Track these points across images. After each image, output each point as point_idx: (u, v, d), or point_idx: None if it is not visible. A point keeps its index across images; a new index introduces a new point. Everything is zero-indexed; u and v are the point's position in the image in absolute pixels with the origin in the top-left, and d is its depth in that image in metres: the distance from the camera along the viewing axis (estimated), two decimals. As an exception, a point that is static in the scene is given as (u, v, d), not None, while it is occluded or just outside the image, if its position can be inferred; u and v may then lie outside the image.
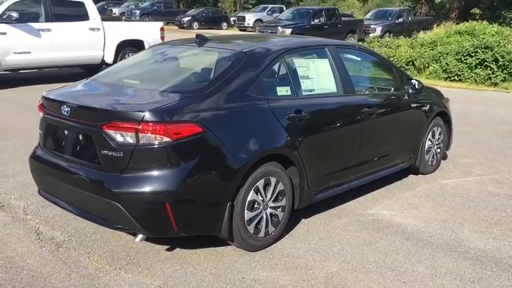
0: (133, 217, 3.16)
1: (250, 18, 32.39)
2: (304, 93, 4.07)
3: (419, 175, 5.67)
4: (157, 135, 3.12)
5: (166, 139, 3.13)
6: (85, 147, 3.38)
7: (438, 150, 5.80)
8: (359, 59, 5.13)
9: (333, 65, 4.36)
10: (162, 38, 13.06)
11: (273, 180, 3.69)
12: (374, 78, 5.31)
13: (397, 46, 16.85)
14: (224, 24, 34.62)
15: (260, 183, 3.60)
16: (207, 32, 31.52)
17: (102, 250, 3.67)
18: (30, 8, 11.04)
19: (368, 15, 27.29)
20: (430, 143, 5.61)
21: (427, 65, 15.14)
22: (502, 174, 5.84)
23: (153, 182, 3.14)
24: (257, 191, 3.59)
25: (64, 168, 3.50)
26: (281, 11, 31.70)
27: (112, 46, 12.17)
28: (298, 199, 3.99)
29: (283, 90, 3.91)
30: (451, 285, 3.37)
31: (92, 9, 11.90)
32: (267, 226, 3.73)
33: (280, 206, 3.82)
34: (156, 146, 3.13)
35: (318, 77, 4.29)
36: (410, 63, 15.59)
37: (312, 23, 20.79)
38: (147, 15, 35.96)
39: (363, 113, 4.48)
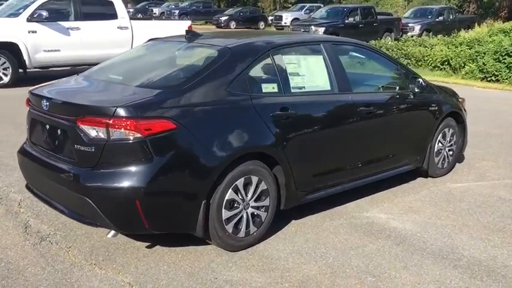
0: (103, 213, 3.15)
1: (287, 17, 32.23)
2: (293, 91, 3.96)
3: (428, 178, 5.44)
4: (127, 131, 3.09)
5: (137, 135, 3.10)
6: (62, 141, 3.39)
7: (450, 152, 5.55)
8: (361, 56, 4.97)
9: (328, 62, 4.22)
10: (190, 36, 13.13)
11: (254, 179, 3.60)
12: (376, 77, 5.13)
13: (433, 45, 16.38)
14: (261, 24, 34.61)
15: (240, 182, 3.52)
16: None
17: (83, 245, 3.68)
18: (60, 7, 11.31)
19: (407, 14, 26.61)
20: (440, 145, 5.37)
21: (463, 65, 14.61)
22: (518, 178, 5.55)
23: (123, 178, 3.12)
24: (236, 190, 3.51)
25: (45, 162, 3.53)
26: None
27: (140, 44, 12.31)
28: (284, 199, 3.89)
29: (269, 87, 3.81)
30: (431, 294, 3.20)
31: (120, 8, 12.10)
32: (248, 226, 3.65)
33: (263, 206, 3.73)
34: (126, 142, 3.11)
35: (309, 74, 4.17)
36: (446, 63, 15.11)
37: (346, 21, 20.47)
38: (186, 14, 36.36)
39: (360, 112, 4.32)
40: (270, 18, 35.52)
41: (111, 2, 11.92)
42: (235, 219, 3.56)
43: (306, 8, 34.17)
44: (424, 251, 3.78)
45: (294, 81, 3.98)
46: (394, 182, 5.17)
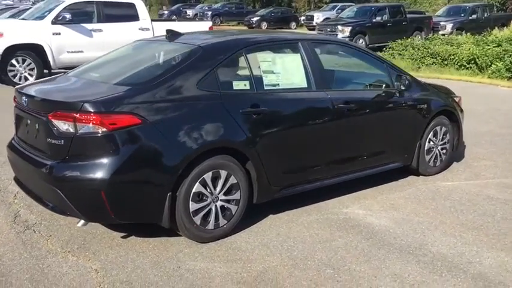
0: (72, 203, 3.35)
1: (318, 17, 32.08)
2: (266, 88, 4.07)
3: (420, 176, 5.43)
4: (93, 125, 3.28)
5: (102, 129, 3.28)
6: (39, 136, 3.61)
7: (444, 151, 5.52)
8: (344, 54, 5.01)
9: (306, 60, 4.31)
10: (211, 37, 13.36)
11: (223, 173, 3.73)
12: (359, 75, 5.17)
13: (460, 43, 16.06)
14: (293, 24, 34.61)
15: (207, 176, 3.65)
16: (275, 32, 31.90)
17: (63, 234, 3.90)
18: (83, 10, 11.75)
19: (439, 12, 26.08)
20: (431, 143, 5.35)
21: (489, 64, 14.28)
22: (514, 178, 5.47)
23: (89, 170, 3.31)
24: (204, 184, 3.65)
25: (27, 156, 3.76)
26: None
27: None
28: (256, 194, 4.00)
29: (240, 85, 3.94)
30: (384, 285, 3.25)
31: (142, 10, 12.44)
32: (217, 219, 3.78)
33: (233, 200, 3.85)
34: (92, 136, 3.30)
35: (285, 71, 4.27)
36: (472, 62, 14.80)
37: (374, 20, 20.25)
38: (218, 16, 36.84)
39: (338, 110, 4.38)
40: (301, 18, 35.48)
41: (133, 4, 12.28)
42: (204, 212, 3.70)
43: (338, 7, 33.94)
44: (392, 246, 3.82)
45: (267, 79, 4.09)
46: (383, 180, 5.20)
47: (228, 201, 3.83)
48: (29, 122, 3.77)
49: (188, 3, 42.69)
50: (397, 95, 4.92)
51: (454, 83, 11.25)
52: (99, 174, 3.28)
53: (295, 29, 34.04)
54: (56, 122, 3.37)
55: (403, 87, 4.91)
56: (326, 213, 4.41)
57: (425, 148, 5.31)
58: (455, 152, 5.90)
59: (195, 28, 13.57)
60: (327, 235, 3.99)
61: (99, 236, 3.88)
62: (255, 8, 43.81)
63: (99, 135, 3.29)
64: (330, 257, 3.63)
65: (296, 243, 3.83)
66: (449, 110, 5.47)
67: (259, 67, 4.08)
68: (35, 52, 11.02)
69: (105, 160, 3.30)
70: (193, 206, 3.62)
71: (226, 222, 3.84)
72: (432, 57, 15.63)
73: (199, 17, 37.41)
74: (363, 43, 19.54)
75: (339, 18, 22.34)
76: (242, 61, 4.02)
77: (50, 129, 3.41)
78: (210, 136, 3.65)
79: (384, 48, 17.30)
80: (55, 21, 11.13)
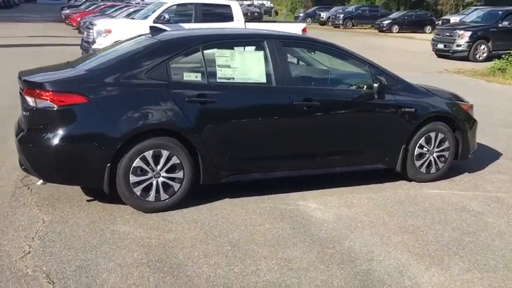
0: (30, 164, 4.13)
1: (455, 21, 30.32)
2: (219, 81, 4.46)
3: (412, 182, 5.33)
4: (47, 101, 4.01)
5: (53, 105, 4.00)
6: (23, 109, 4.44)
7: (442, 158, 5.35)
8: (321, 54, 5.15)
9: (269, 57, 4.60)
10: (304, 38, 13.75)
11: (164, 153, 4.23)
12: (333, 74, 5.24)
13: None
14: (428, 28, 33.09)
15: (148, 154, 4.18)
16: (406, 36, 30.86)
17: (46, 193, 4.68)
18: (182, 11, 12.96)
19: None
20: (424, 149, 5.23)
21: None
22: (513, 193, 5.11)
23: (42, 138, 4.04)
24: (144, 160, 4.18)
25: (18, 126, 4.59)
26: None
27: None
28: (202, 176, 4.42)
29: (191, 76, 4.40)
30: (266, 266, 3.51)
31: (237, 11, 13.26)
32: (158, 193, 4.28)
33: (176, 178, 4.32)
34: (46, 110, 4.04)
35: (243, 66, 4.60)
36: None
37: (500, 25, 18.75)
38: (350, 19, 36.71)
39: (297, 106, 4.59)
40: (438, 22, 33.77)
41: (229, 6, 13.17)
42: (144, 185, 4.23)
43: (479, 11, 31.67)
44: (310, 237, 4.00)
45: (221, 72, 4.48)
46: (369, 180, 5.24)
47: (170, 178, 4.31)
48: (21, 98, 4.64)
49: (324, 6, 43.09)
50: (375, 96, 4.93)
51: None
52: (48, 142, 4.01)
53: (429, 33, 32.54)
54: (26, 98, 4.17)
55: (381, 89, 4.90)
56: (278, 204, 4.65)
57: (415, 153, 5.20)
58: (463, 161, 5.64)
59: (288, 29, 14.05)
60: (260, 221, 4.27)
61: (71, 198, 4.60)
62: (398, 9, 42.66)
63: (50, 109, 4.02)
64: (241, 237, 3.94)
65: (224, 223, 4.19)
66: (447, 116, 5.28)
67: (214, 61, 4.49)
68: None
69: (54, 130, 4.01)
70: (133, 179, 4.18)
71: (168, 197, 4.33)
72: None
73: (331, 19, 37.66)
74: (485, 49, 18.28)
75: (461, 22, 21.05)
76: (197, 55, 4.47)
77: (24, 103, 4.22)
78: (150, 119, 4.17)
79: (503, 56, 16.03)
80: (156, 21, 12.37)
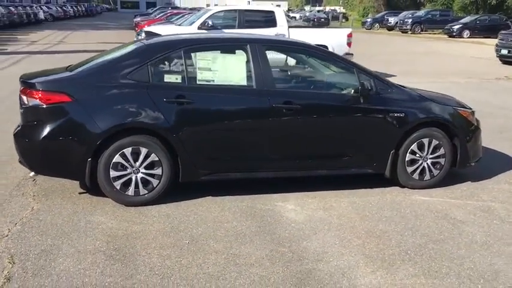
0: (22, 157, 4.54)
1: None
2: (199, 83, 4.66)
3: (404, 188, 5.25)
4: (35, 100, 4.40)
5: (41, 103, 4.38)
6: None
7: (437, 166, 5.22)
8: (303, 58, 5.21)
9: (250, 61, 4.74)
10: (349, 44, 13.68)
11: (143, 150, 4.49)
12: (318, 78, 5.25)
13: None
14: (501, 33, 31.43)
15: (127, 150, 4.46)
16: (476, 41, 29.53)
17: (47, 185, 5.07)
18: (226, 17, 13.31)
19: None
20: (417, 155, 5.14)
21: None
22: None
23: (30, 133, 4.44)
24: (124, 156, 4.46)
25: None
26: None
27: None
28: (181, 174, 4.64)
29: (172, 78, 4.63)
30: (213, 260, 3.67)
31: (280, 17, 13.41)
32: (137, 188, 4.55)
33: (155, 175, 4.57)
34: (34, 107, 4.42)
35: (224, 69, 4.77)
36: None
37: None
38: (419, 23, 35.67)
39: (276, 109, 4.69)
40: (513, 27, 32.02)
41: (272, 12, 13.37)
42: (124, 179, 4.51)
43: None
44: (270, 235, 4.11)
45: (202, 75, 4.68)
46: (358, 185, 5.23)
47: (150, 175, 4.56)
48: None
49: (392, 11, 42.17)
50: (361, 100, 4.91)
51: None
52: (35, 137, 4.39)
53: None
54: (22, 96, 4.59)
55: (364, 92, 4.88)
56: (257, 203, 4.77)
57: (406, 159, 5.12)
58: (462, 169, 5.46)
59: (331, 35, 14.02)
60: (230, 218, 4.42)
61: (66, 190, 4.97)
62: (478, 13, 40.95)
63: (40, 107, 4.40)
64: (204, 232, 4.12)
65: (194, 219, 4.38)
66: (442, 122, 5.15)
67: (195, 64, 4.70)
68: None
69: (42, 126, 4.38)
70: (113, 173, 4.47)
71: (147, 192, 4.58)
72: None
73: (399, 24, 36.80)
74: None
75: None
76: (179, 58, 4.70)
77: (20, 101, 4.65)
78: (129, 118, 4.45)
79: None
80: (201, 27, 12.85)
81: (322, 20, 44.88)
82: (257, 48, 4.80)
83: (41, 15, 40.46)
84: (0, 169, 5.46)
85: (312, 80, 5.44)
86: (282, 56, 5.21)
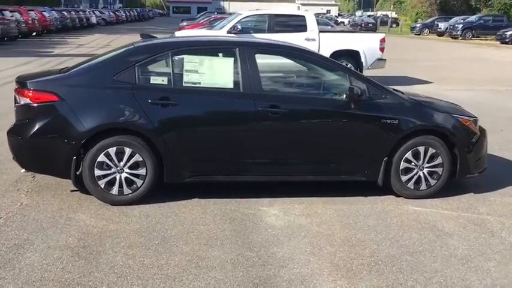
0: (13, 154, 4.71)
1: None
2: (184, 85, 4.68)
3: (400, 198, 5.07)
4: (25, 99, 4.56)
5: (30, 102, 4.53)
6: (17, 105, 5.06)
7: (434, 175, 5.02)
8: (294, 62, 5.12)
9: (239, 64, 4.72)
10: (382, 49, 13.42)
11: (127, 150, 4.55)
12: (307, 82, 5.14)
13: None
14: (557, 40, 29.97)
15: (112, 150, 4.54)
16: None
17: (43, 182, 5.24)
18: (256, 22, 13.33)
19: None
20: (412, 164, 4.95)
21: None
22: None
23: (19, 131, 4.59)
24: (108, 156, 4.54)
25: None
26: None
27: (326, 55, 13.31)
28: (165, 174, 4.67)
29: (158, 80, 4.69)
30: (176, 261, 3.67)
31: (311, 21, 13.30)
32: (121, 187, 4.62)
33: (139, 175, 4.62)
34: (24, 106, 4.58)
35: (211, 72, 4.77)
36: None
37: None
38: (470, 29, 34.50)
39: (262, 113, 4.65)
40: None
41: (303, 16, 13.31)
42: (108, 178, 4.59)
43: None
44: (242, 240, 4.08)
45: (188, 77, 4.70)
46: (352, 192, 5.10)
47: (134, 175, 4.62)
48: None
49: (443, 16, 40.99)
50: (352, 105, 4.79)
51: None
52: (23, 135, 4.54)
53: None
54: (15, 96, 4.77)
55: (353, 98, 4.74)
56: (241, 207, 4.73)
57: (400, 167, 4.95)
58: (463, 179, 5.23)
59: (364, 39, 13.78)
60: (208, 221, 4.42)
61: (59, 187, 5.08)
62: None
63: (30, 106, 4.55)
64: (177, 234, 4.14)
65: (172, 220, 4.40)
66: (439, 130, 4.95)
67: (182, 67, 4.72)
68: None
69: (32, 124, 4.53)
70: (97, 172, 4.56)
71: (130, 192, 4.64)
72: None
73: (449, 30, 35.72)
74: None
75: None
76: (167, 60, 4.75)
77: (14, 100, 4.83)
78: (113, 118, 4.53)
79: None
80: (230, 31, 12.94)
81: (370, 25, 44.17)
82: (246, 52, 4.78)
83: (93, 20, 42.03)
84: (4, 165, 5.68)
85: (301, 84, 5.37)
86: (273, 60, 5.14)
